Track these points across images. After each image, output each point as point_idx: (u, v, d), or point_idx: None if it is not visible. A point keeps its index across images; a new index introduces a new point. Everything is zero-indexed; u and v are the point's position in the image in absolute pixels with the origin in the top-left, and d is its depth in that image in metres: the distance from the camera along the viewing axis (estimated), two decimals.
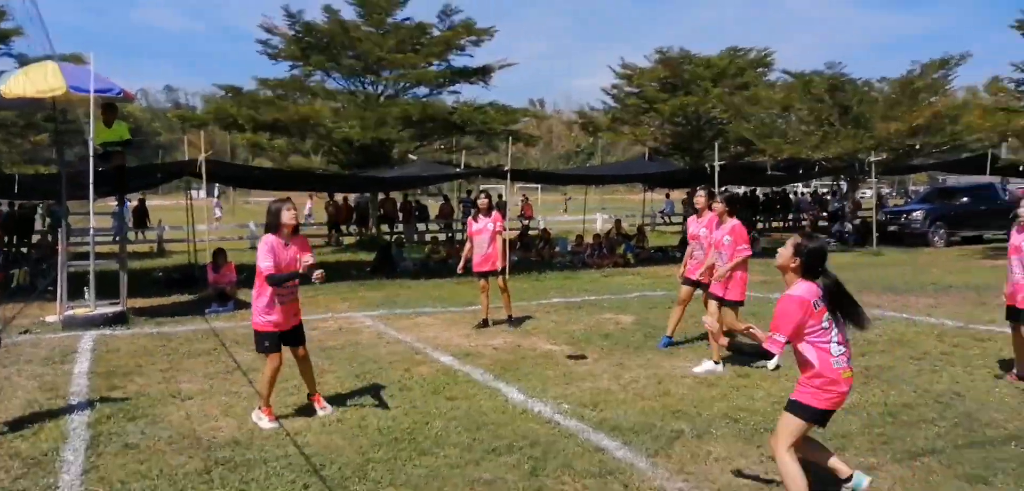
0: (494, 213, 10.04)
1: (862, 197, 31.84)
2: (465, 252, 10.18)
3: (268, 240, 5.87)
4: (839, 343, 4.03)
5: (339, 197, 26.84)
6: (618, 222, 22.37)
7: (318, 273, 5.85)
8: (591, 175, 28.81)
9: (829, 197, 33.97)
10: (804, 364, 4.08)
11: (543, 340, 9.12)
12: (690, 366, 7.57)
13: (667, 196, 34.99)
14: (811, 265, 4.05)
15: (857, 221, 24.78)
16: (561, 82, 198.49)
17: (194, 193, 18.87)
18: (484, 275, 9.93)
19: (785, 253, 4.14)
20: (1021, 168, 25.61)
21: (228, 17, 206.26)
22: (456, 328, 9.90)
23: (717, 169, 18.65)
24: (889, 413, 5.94)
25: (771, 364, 7.10)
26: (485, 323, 9.91)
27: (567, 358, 8.09)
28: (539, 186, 43.44)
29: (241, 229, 27.82)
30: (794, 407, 4.09)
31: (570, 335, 9.36)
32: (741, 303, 7.56)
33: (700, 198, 8.29)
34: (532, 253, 18.87)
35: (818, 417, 4.08)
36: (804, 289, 4.03)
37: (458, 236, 26.42)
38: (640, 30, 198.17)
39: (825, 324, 4.00)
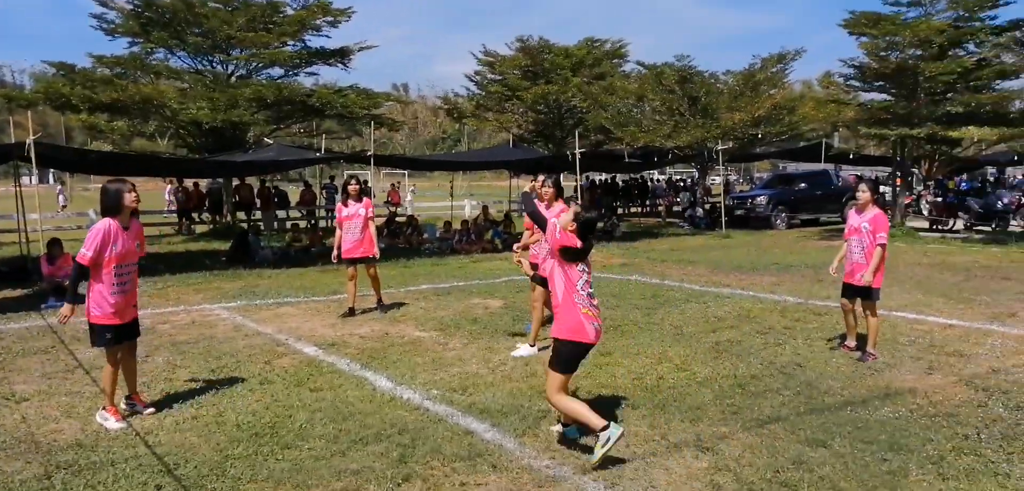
0: (364, 199, 9.84)
1: (711, 183, 33.82)
2: (336, 239, 9.89)
3: (103, 225, 5.46)
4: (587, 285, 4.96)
5: (189, 183, 25.34)
6: (485, 208, 22.54)
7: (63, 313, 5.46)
8: (458, 161, 28.90)
9: (681, 184, 35.82)
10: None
11: (412, 327, 9.05)
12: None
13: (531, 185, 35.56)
14: (584, 231, 4.93)
15: (708, 206, 26.31)
16: (424, 68, 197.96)
17: (25, 179, 17.22)
18: (354, 262, 9.73)
19: (567, 217, 4.98)
20: (851, 155, 28.23)
21: None
22: (320, 317, 9.64)
23: (578, 156, 19.20)
24: (739, 385, 6.37)
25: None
26: (351, 312, 9.71)
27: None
28: (406, 172, 42.99)
29: (80, 217, 25.70)
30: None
31: (439, 321, 9.35)
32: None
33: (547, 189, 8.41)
34: (400, 240, 18.66)
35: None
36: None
37: (322, 223, 25.72)
38: (501, 18, 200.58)
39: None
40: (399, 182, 35.35)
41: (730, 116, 23.53)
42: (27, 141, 12.53)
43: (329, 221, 25.91)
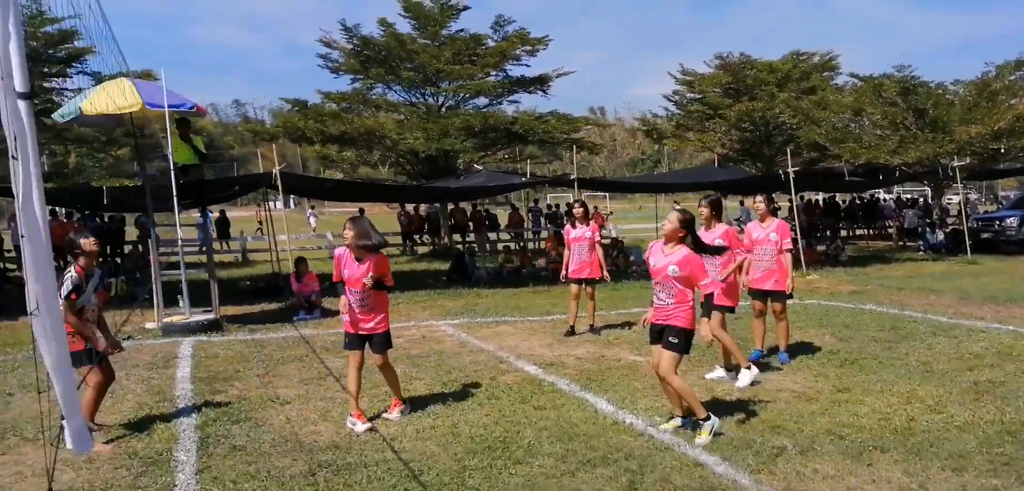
0: (591, 222, 10.14)
1: (948, 202, 30.59)
2: (565, 259, 10.30)
3: (339, 251, 6.26)
4: None
5: (411, 207, 27.20)
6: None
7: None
8: (660, 183, 28.44)
9: (908, 202, 32.68)
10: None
11: (627, 350, 9.03)
12: (784, 380, 7.38)
13: (741, 203, 34.34)
14: (689, 229, 5.71)
15: (948, 229, 23.82)
16: (619, 90, 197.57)
17: (270, 204, 19.43)
18: (580, 282, 10.05)
19: (672, 224, 5.68)
20: None
21: (289, 34, 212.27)
22: (537, 337, 9.90)
23: (792, 175, 18.18)
24: (1007, 432, 5.65)
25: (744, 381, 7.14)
26: (572, 331, 9.92)
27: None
28: (607, 194, 43.16)
29: (319, 239, 28.50)
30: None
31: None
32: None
33: (760, 204, 8.21)
34: (607, 263, 18.70)
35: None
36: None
37: (531, 245, 26.50)
38: (695, 37, 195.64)
39: None
40: (598, 206, 35.71)
41: (965, 130, 21.12)
42: (274, 171, 14.09)
43: (536, 243, 26.66)
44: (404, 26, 25.60)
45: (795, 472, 4.98)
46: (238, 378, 7.77)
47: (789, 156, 19.47)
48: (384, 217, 28.91)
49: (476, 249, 23.52)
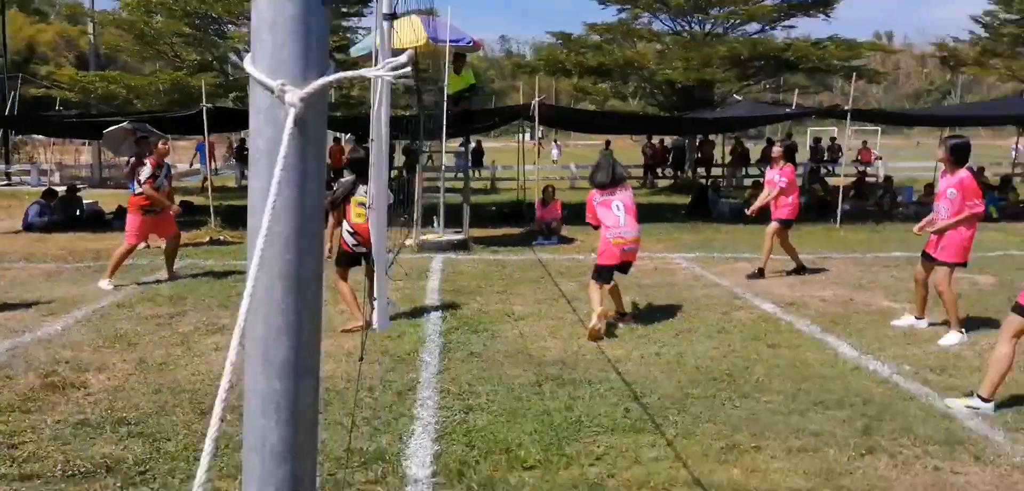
0: (785, 165, 9.50)
1: None
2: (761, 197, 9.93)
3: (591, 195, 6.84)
4: None
5: (656, 140, 26.83)
6: (980, 170, 19.28)
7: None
8: (946, 116, 25.05)
9: None
10: None
11: (880, 296, 8.31)
12: None
13: None
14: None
15: None
16: (914, 12, 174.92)
17: (524, 136, 20.25)
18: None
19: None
20: None
21: None
22: (777, 276, 9.44)
23: None
24: None
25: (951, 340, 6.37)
26: (760, 273, 9.33)
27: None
28: (879, 128, 39.07)
29: (563, 170, 29.30)
30: None
31: (911, 292, 8.37)
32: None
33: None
34: (870, 202, 17.13)
35: None
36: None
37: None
38: None
39: None
40: (867, 141, 32.25)
41: None
42: (532, 103, 14.64)
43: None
44: None
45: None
46: (479, 293, 8.39)
47: None
48: (629, 150, 28.84)
49: (722, 183, 22.66)
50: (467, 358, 5.98)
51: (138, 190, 8.83)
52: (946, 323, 6.65)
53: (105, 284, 8.42)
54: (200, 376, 5.52)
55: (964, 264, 6.70)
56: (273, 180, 1.05)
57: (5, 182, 25.99)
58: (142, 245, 9.71)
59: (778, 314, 7.46)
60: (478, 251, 11.37)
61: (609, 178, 6.83)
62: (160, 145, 9.26)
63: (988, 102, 30.93)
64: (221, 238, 12.28)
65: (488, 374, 5.57)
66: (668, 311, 7.57)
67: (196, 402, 4.96)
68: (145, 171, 8.73)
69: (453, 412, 4.84)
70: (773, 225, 9.42)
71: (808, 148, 27.62)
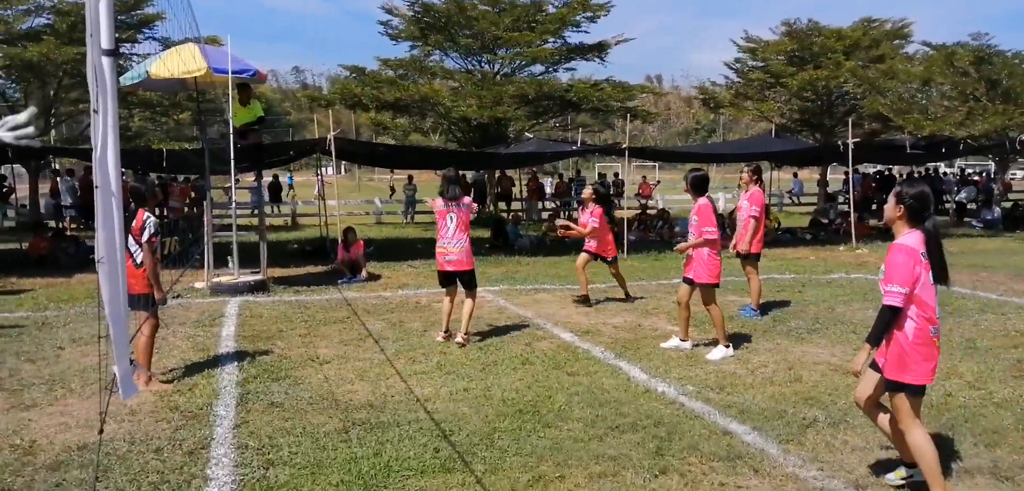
0: (594, 207, 10.22)
1: (1012, 178, 29.36)
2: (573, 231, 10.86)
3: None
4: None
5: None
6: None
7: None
8: (713, 153, 27.93)
9: (970, 178, 31.39)
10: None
11: (664, 321, 9.00)
12: (821, 353, 7.28)
13: (795, 175, 33.54)
14: (916, 210, 3.97)
15: (1009, 203, 22.90)
16: (678, 58, 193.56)
17: (326, 170, 19.79)
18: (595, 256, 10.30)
19: (889, 206, 4.07)
20: None
21: (351, 1, 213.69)
22: (574, 305, 9.93)
23: (850, 147, 17.69)
24: None
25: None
26: (586, 299, 10.05)
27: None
28: (656, 164, 42.68)
29: (367, 205, 28.89)
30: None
31: (693, 317, 9.16)
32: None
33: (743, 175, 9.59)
34: (651, 233, 18.58)
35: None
36: (913, 239, 3.95)
37: (575, 215, 26.41)
38: (761, 2, 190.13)
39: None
40: (646, 175, 35.24)
41: None
42: (328, 137, 14.33)
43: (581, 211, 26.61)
44: None
45: (825, 443, 4.94)
46: (280, 337, 8.00)
47: (850, 127, 18.92)
48: (432, 183, 29.05)
49: (522, 217, 23.54)
50: (267, 409, 5.66)
51: None
52: (714, 342, 7.34)
53: None
54: None
55: (717, 285, 7.49)
56: None
57: None
58: None
59: (576, 342, 7.83)
60: (278, 292, 10.87)
61: (450, 192, 7.76)
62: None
63: (747, 139, 34.93)
64: None
65: (290, 424, 5.31)
66: (475, 345, 7.68)
67: None
68: None
69: (252, 469, 4.55)
70: (583, 256, 10.20)
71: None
